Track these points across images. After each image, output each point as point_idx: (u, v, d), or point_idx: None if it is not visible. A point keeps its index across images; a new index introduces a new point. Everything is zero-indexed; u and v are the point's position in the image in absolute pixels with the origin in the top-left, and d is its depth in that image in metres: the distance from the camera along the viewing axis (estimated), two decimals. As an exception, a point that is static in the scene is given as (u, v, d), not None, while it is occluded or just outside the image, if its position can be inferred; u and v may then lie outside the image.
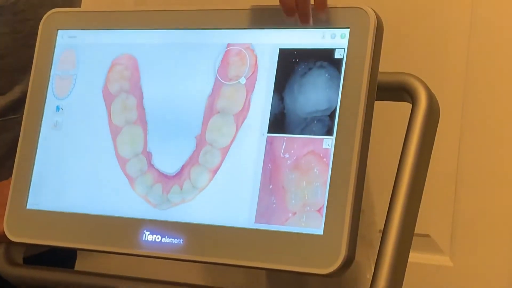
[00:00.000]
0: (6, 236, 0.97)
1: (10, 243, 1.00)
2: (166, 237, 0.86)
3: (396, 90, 0.88)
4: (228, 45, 0.89)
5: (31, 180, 0.97)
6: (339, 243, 0.77)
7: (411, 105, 0.86)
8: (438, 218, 1.27)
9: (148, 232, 0.87)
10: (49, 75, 0.99)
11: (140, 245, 0.88)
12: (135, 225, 0.88)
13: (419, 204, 0.87)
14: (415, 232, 0.88)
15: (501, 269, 1.22)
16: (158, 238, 0.86)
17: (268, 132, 0.84)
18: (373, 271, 0.83)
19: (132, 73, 0.94)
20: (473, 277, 1.26)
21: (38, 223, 0.97)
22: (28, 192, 0.96)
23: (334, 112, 0.81)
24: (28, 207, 0.95)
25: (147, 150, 0.90)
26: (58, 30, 1.00)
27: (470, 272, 1.26)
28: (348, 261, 0.77)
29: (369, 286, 0.81)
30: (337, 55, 0.82)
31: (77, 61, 1.00)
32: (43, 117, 0.98)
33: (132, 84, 0.94)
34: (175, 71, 0.94)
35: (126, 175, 0.91)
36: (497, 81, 1.27)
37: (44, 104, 0.98)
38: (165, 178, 0.89)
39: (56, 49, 1.00)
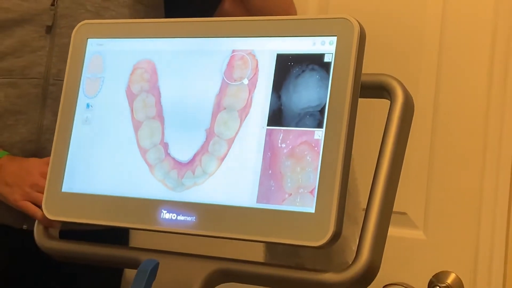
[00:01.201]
0: (46, 218, 0.99)
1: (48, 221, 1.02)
2: (180, 215, 0.89)
3: (377, 89, 0.90)
4: (233, 51, 0.91)
5: (65, 167, 0.99)
6: (328, 220, 0.80)
7: (389, 101, 0.88)
8: (413, 198, 1.27)
9: (165, 211, 0.89)
10: (80, 77, 1.01)
11: (159, 222, 0.90)
12: (154, 205, 0.91)
13: (397, 186, 0.88)
14: (394, 210, 0.90)
15: (467, 241, 1.23)
16: (174, 216, 0.89)
17: (268, 125, 0.87)
18: (357, 244, 0.85)
19: (151, 76, 0.97)
20: (443, 249, 1.25)
21: (71, 203, 0.99)
22: (63, 178, 0.98)
23: (323, 108, 0.83)
24: (63, 190, 0.97)
25: (164, 141, 0.92)
26: (88, 38, 1.03)
27: (441, 244, 1.26)
28: (336, 235, 0.80)
29: (354, 257, 0.83)
30: (326, 59, 0.84)
31: (104, 65, 1.02)
32: (75, 113, 1.00)
33: (151, 85, 0.96)
34: (187, 73, 0.96)
35: (146, 162, 0.93)
36: (464, 79, 1.28)
37: (76, 102, 1.00)
38: (179, 165, 0.91)
39: (86, 55, 1.03)
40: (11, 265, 1.26)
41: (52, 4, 1.23)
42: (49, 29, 1.24)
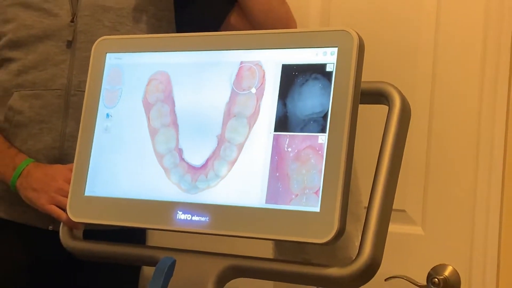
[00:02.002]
0: (70, 220, 0.99)
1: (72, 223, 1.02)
2: (195, 216, 0.89)
3: (376, 96, 0.91)
4: (241, 62, 0.92)
5: (88, 173, 1.00)
6: (332, 218, 0.81)
7: (388, 107, 0.88)
8: (411, 196, 1.24)
9: (181, 212, 0.90)
10: (100, 89, 1.02)
11: (174, 223, 0.91)
12: (170, 207, 0.92)
13: (396, 185, 0.88)
14: (393, 207, 0.89)
15: (463, 236, 1.21)
16: (189, 217, 0.90)
17: (275, 131, 0.87)
18: (360, 240, 0.84)
19: (166, 86, 0.97)
20: (441, 243, 1.23)
21: (94, 206, 1.00)
22: (86, 183, 1.00)
23: (326, 114, 0.83)
24: (86, 194, 0.98)
25: (179, 147, 0.93)
26: (106, 53, 1.04)
27: (438, 239, 1.23)
28: (340, 232, 0.80)
29: (357, 252, 0.83)
30: (328, 69, 0.84)
31: (122, 78, 1.03)
32: (96, 122, 1.01)
33: (165, 95, 0.97)
34: (199, 84, 0.96)
35: (162, 167, 0.94)
36: (458, 85, 1.27)
37: (97, 112, 1.01)
38: (193, 169, 0.91)
39: (105, 68, 1.04)
40: (38, 263, 1.26)
41: (72, 21, 1.23)
42: (70, 44, 1.24)
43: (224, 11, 1.29)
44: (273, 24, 1.20)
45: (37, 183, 1.15)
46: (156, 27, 1.28)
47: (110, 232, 1.09)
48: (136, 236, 1.25)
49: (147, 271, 1.34)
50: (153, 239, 1.31)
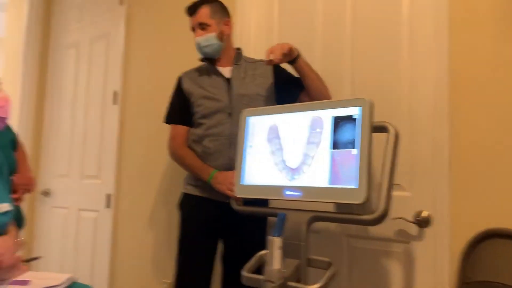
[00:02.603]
0: (236, 196, 1.24)
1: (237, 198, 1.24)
2: (295, 192, 1.14)
3: (381, 128, 1.12)
4: (313, 116, 1.16)
5: (241, 173, 1.26)
6: (364, 191, 1.04)
7: (388, 134, 1.11)
8: (403, 176, 1.33)
9: (287, 191, 1.15)
10: (245, 134, 1.28)
11: (284, 196, 1.16)
12: (281, 188, 1.17)
13: (394, 172, 1.05)
14: (394, 183, 1.07)
15: (429, 196, 1.28)
16: (291, 193, 1.14)
17: (331, 148, 1.10)
18: (378, 201, 1.02)
19: (276, 131, 1.22)
20: (419, 200, 1.30)
21: (245, 189, 1.26)
22: (241, 178, 1.27)
23: (355, 139, 1.06)
24: (241, 183, 1.26)
25: (283, 159, 1.19)
26: (247, 116, 1.30)
27: (418, 198, 1.30)
28: (367, 198, 1.03)
29: (376, 207, 1.03)
30: (355, 117, 1.08)
31: (255, 128, 1.28)
32: (245, 149, 1.27)
33: (276, 135, 1.21)
34: (293, 128, 1.20)
35: (277, 169, 1.19)
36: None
37: (245, 145, 1.28)
38: (292, 169, 1.16)
39: (247, 124, 1.30)
40: (217, 220, 1.48)
41: (229, 103, 1.47)
42: (230, 115, 1.47)
43: (297, 92, 1.47)
44: (324, 97, 1.39)
45: (220, 180, 1.41)
46: (269, 102, 1.50)
47: (253, 201, 1.31)
48: (265, 203, 1.43)
49: (270, 219, 1.51)
50: (271, 205, 1.44)
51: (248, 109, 1.31)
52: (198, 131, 1.49)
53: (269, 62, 1.32)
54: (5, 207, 1.08)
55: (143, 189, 2.11)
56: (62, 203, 2.48)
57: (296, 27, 1.64)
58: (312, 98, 1.42)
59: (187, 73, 1.56)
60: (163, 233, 1.99)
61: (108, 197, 2.26)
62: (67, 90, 2.58)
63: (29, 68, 2.67)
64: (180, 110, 1.52)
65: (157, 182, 2.05)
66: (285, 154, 1.17)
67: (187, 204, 1.53)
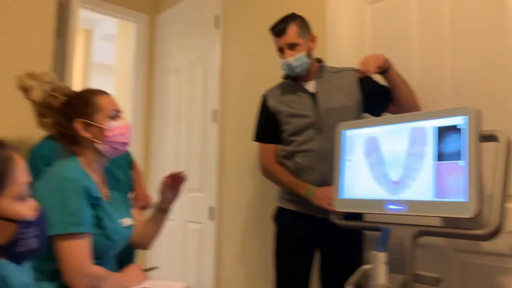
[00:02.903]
0: (336, 210, 1.23)
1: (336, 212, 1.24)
2: (398, 206, 1.12)
3: (490, 137, 1.08)
4: (413, 127, 1.14)
5: (340, 188, 1.26)
6: (473, 204, 1.00)
7: (498, 143, 1.06)
8: None
9: (390, 205, 1.13)
10: (341, 148, 1.27)
11: (387, 210, 1.14)
12: (382, 202, 1.16)
13: (509, 183, 1.01)
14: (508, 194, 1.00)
15: None
16: (394, 207, 1.12)
17: (436, 160, 1.08)
18: (489, 214, 0.97)
19: (376, 144, 1.21)
20: None
21: (345, 203, 1.25)
22: (340, 192, 1.26)
23: (460, 150, 1.02)
24: (340, 197, 1.26)
25: (385, 173, 1.17)
26: (342, 130, 1.30)
27: None
28: (479, 211, 0.99)
29: (488, 221, 0.97)
30: (460, 127, 1.05)
31: (352, 141, 1.27)
32: (343, 164, 1.26)
33: (376, 148, 1.20)
34: (394, 140, 1.18)
35: (377, 182, 1.18)
36: None
37: (343, 159, 1.27)
38: (394, 183, 1.15)
39: (343, 138, 1.29)
40: (313, 234, 1.48)
41: (317, 119, 1.46)
42: (319, 130, 1.47)
43: (386, 103, 1.44)
44: (415, 108, 1.34)
45: (319, 195, 1.41)
46: (356, 114, 1.48)
47: (349, 215, 1.32)
48: (358, 217, 1.40)
49: (367, 233, 1.48)
50: (368, 219, 1.40)
51: (343, 122, 1.31)
52: (288, 148, 1.51)
53: (363, 74, 1.32)
54: (128, 221, 1.21)
55: (243, 201, 2.19)
56: (170, 215, 2.60)
57: (390, 37, 1.61)
58: (402, 109, 1.40)
59: (270, 91, 1.59)
60: (264, 245, 2.05)
61: (211, 209, 2.38)
62: (170, 110, 2.79)
63: (137, 92, 2.95)
64: (268, 128, 1.55)
65: (256, 195, 2.12)
66: (386, 167, 1.16)
67: (282, 218, 1.55)
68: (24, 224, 0.66)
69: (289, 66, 1.48)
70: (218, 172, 2.34)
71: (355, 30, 1.74)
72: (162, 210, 1.29)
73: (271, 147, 1.55)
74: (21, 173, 0.68)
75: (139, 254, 2.07)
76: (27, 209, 0.68)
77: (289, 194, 1.50)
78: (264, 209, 2.03)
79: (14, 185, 0.66)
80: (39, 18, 1.82)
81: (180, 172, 1.24)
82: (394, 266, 1.08)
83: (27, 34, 1.79)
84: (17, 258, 0.68)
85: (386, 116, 1.27)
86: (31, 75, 1.38)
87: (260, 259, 2.06)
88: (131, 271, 1.14)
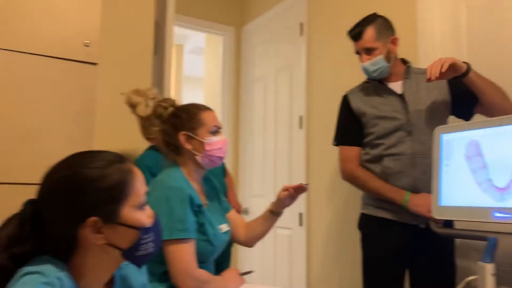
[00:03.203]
0: (435, 218, 1.19)
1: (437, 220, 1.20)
2: (506, 214, 1.05)
3: None
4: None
5: (439, 195, 1.21)
6: None
7: None
8: None
9: (496, 213, 1.07)
10: (440, 152, 1.22)
11: (493, 218, 1.08)
12: (488, 210, 1.09)
13: None
14: None
15: None
16: (502, 215, 1.06)
17: None
18: None
19: (477, 148, 1.15)
20: None
21: (444, 210, 1.20)
22: (438, 199, 1.21)
23: None
24: (439, 205, 1.20)
25: (489, 178, 1.10)
26: (440, 134, 1.25)
27: None
28: None
29: None
30: None
31: (451, 145, 1.21)
32: (441, 169, 1.19)
33: (478, 152, 1.14)
34: (498, 146, 1.09)
35: (481, 189, 1.12)
36: None
37: (441, 163, 1.21)
38: (500, 189, 1.08)
39: (441, 142, 1.24)
40: (406, 243, 1.44)
41: (408, 120, 1.43)
42: (409, 133, 1.44)
43: (472, 105, 1.39)
44: (505, 111, 1.26)
45: (418, 202, 1.36)
46: (445, 117, 1.42)
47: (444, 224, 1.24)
48: (450, 226, 1.33)
49: (459, 241, 1.42)
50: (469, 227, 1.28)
51: (441, 126, 1.26)
52: (374, 151, 1.48)
53: (428, 80, 1.27)
54: (225, 227, 1.27)
55: (332, 207, 2.18)
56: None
57: (486, 36, 1.53)
58: (488, 112, 1.36)
59: (353, 92, 1.56)
60: (355, 251, 2.01)
61: (300, 215, 2.40)
62: (257, 118, 2.87)
63: (226, 101, 3.08)
64: (352, 131, 1.52)
65: (344, 200, 2.11)
66: (490, 173, 1.10)
67: (369, 226, 1.52)
68: (144, 230, 0.73)
69: (366, 71, 1.48)
70: (306, 178, 2.35)
71: (448, 28, 1.66)
72: (275, 212, 1.33)
73: (355, 150, 1.52)
74: (140, 184, 0.74)
75: (233, 258, 2.12)
76: (146, 217, 0.74)
77: (376, 200, 1.47)
78: (353, 215, 1.98)
79: (135, 196, 0.72)
80: (140, 38, 1.99)
81: (305, 185, 1.27)
82: (504, 278, 1.05)
83: (129, 52, 1.95)
84: (137, 261, 0.75)
85: (488, 119, 1.20)
86: (137, 92, 1.50)
87: (352, 265, 2.04)
88: (230, 274, 1.20)
